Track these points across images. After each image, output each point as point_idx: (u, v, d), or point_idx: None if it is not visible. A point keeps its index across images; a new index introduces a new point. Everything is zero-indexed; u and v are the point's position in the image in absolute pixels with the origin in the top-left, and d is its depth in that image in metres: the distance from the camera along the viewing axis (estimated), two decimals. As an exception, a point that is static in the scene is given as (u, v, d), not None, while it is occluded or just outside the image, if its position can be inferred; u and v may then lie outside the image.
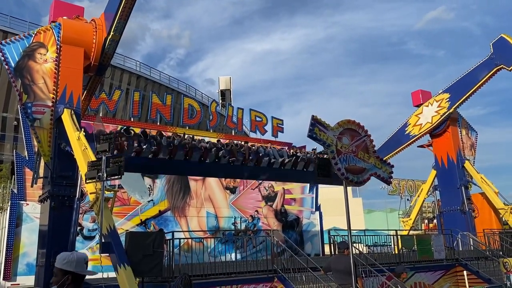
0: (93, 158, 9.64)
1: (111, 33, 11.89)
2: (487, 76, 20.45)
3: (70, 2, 13.51)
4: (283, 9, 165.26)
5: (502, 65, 19.93)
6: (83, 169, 9.69)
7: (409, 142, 23.07)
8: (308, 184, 24.07)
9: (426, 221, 33.10)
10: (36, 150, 13.37)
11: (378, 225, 40.88)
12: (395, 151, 23.22)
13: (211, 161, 13.90)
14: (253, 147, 15.04)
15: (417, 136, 22.88)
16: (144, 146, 12.80)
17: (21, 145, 25.15)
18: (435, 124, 22.26)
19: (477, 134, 25.31)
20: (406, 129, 23.21)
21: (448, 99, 21.73)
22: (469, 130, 24.73)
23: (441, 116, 21.86)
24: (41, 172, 12.37)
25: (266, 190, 22.88)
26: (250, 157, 14.50)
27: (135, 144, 12.70)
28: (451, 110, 21.77)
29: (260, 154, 14.78)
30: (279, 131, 23.99)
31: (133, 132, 13.07)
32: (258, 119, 23.67)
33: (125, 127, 13.51)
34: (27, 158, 17.07)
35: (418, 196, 25.80)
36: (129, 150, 12.53)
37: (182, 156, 13.44)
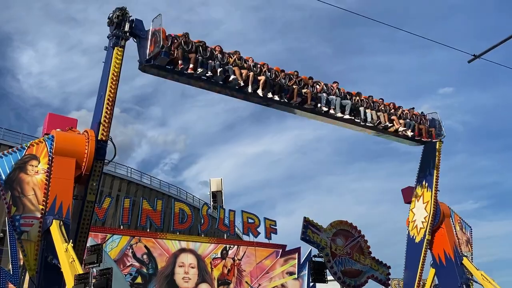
0: (80, 271, 9.32)
1: None
2: None
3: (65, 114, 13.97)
4: (273, 114, 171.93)
5: None
6: (69, 283, 9.31)
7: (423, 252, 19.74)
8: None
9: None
10: (22, 263, 12.91)
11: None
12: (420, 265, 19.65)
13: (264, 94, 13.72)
14: (315, 89, 14.81)
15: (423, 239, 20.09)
16: (200, 70, 12.45)
17: (5, 258, 24.28)
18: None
19: (471, 229, 25.06)
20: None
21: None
22: (463, 225, 24.52)
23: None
24: (25, 287, 11.84)
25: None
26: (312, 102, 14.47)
27: (191, 65, 12.39)
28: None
29: (319, 105, 14.67)
30: (272, 233, 23.59)
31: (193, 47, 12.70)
32: (250, 220, 23.42)
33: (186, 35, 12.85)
34: (11, 273, 16.38)
35: (420, 296, 24.77)
36: (183, 67, 12.28)
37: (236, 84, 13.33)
